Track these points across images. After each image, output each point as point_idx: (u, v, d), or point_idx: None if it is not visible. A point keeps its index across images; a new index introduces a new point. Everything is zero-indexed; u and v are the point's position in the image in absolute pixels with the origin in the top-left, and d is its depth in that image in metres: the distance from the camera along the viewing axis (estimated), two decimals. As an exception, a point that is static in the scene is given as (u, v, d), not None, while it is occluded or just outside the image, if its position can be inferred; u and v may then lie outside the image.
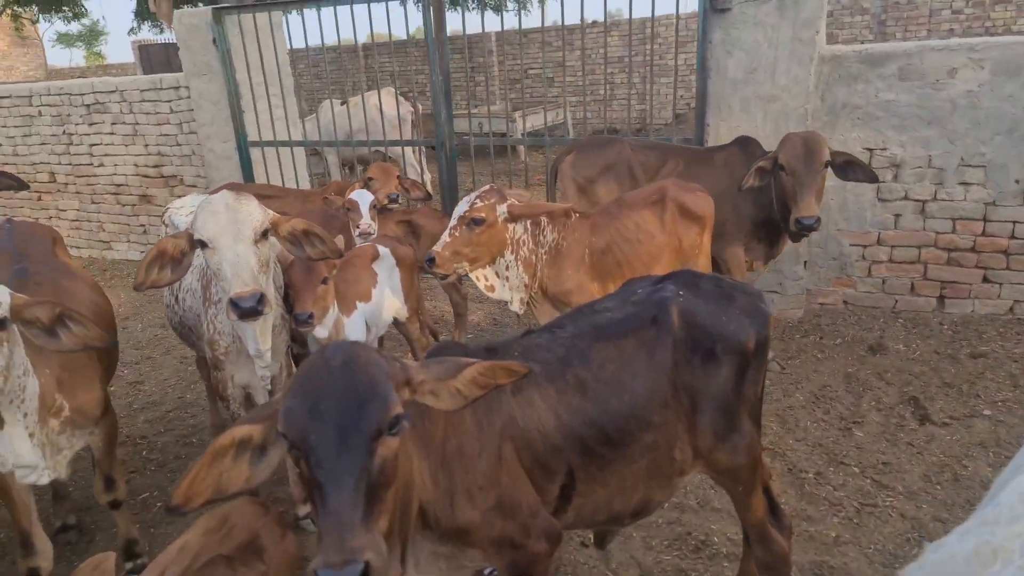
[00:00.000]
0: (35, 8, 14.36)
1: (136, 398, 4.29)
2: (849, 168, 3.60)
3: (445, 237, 2.77)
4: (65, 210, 7.18)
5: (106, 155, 6.67)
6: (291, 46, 5.89)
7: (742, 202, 3.82)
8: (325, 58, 7.68)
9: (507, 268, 2.95)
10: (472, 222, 2.78)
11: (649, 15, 4.02)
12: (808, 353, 4.19)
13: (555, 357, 1.72)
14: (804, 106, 4.25)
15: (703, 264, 3.39)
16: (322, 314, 2.75)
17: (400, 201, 4.42)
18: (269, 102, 5.51)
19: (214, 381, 2.58)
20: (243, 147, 5.70)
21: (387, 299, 3.34)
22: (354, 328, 3.10)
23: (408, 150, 8.30)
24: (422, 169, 8.52)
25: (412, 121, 8.37)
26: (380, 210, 4.43)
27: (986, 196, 4.18)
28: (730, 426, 1.81)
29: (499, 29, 16.78)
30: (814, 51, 4.16)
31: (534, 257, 2.98)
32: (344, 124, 7.79)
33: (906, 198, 4.34)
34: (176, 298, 2.75)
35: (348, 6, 5.06)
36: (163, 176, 6.46)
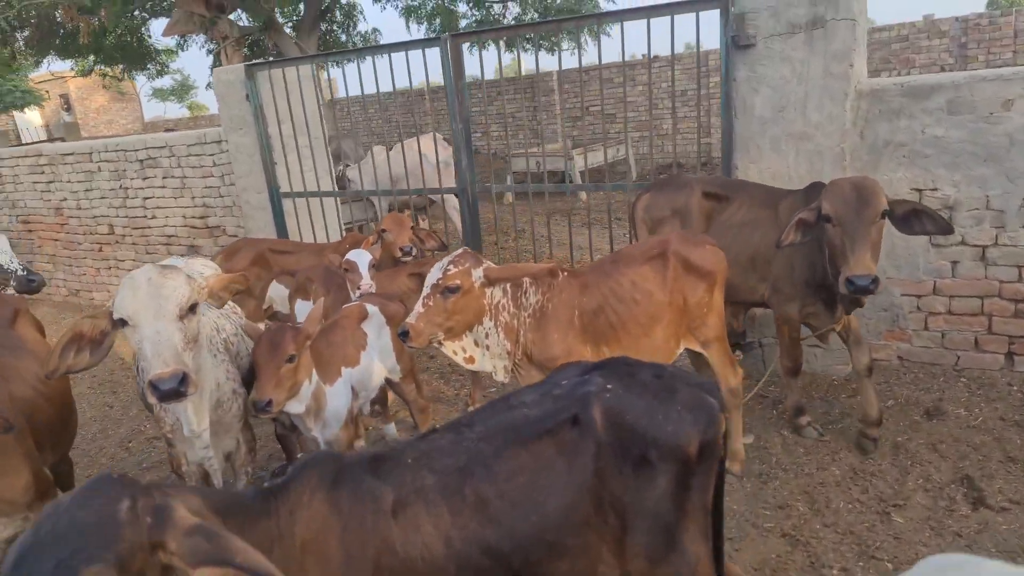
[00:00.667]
0: (120, 67, 15.35)
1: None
2: (915, 219, 3.04)
3: (419, 308, 2.60)
4: (123, 260, 7.48)
5: (158, 207, 6.92)
6: (347, 94, 5.97)
7: (796, 258, 3.36)
8: (364, 106, 7.77)
9: (487, 336, 2.75)
10: (446, 290, 2.60)
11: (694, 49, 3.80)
12: (853, 417, 3.77)
13: (454, 466, 1.49)
14: (840, 145, 3.90)
15: (713, 323, 3.10)
16: (287, 396, 2.61)
17: (414, 252, 4.32)
18: (299, 153, 5.57)
19: (169, 458, 2.49)
20: (275, 198, 5.77)
21: (377, 361, 3.20)
22: (337, 397, 2.97)
23: (450, 195, 8.29)
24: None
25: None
26: (395, 262, 4.35)
27: (1056, 240, 3.70)
28: (669, 547, 1.52)
29: (563, 68, 16.87)
30: (849, 85, 3.83)
31: (516, 321, 2.78)
32: (389, 170, 7.87)
33: (963, 243, 3.90)
34: (136, 368, 2.70)
35: (384, 56, 5.07)
36: (208, 227, 6.63)
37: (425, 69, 4.97)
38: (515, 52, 14.36)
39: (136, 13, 14.39)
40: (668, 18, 4.18)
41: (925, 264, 4.02)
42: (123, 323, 2.02)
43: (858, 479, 3.25)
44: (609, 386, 1.57)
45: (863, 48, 4.04)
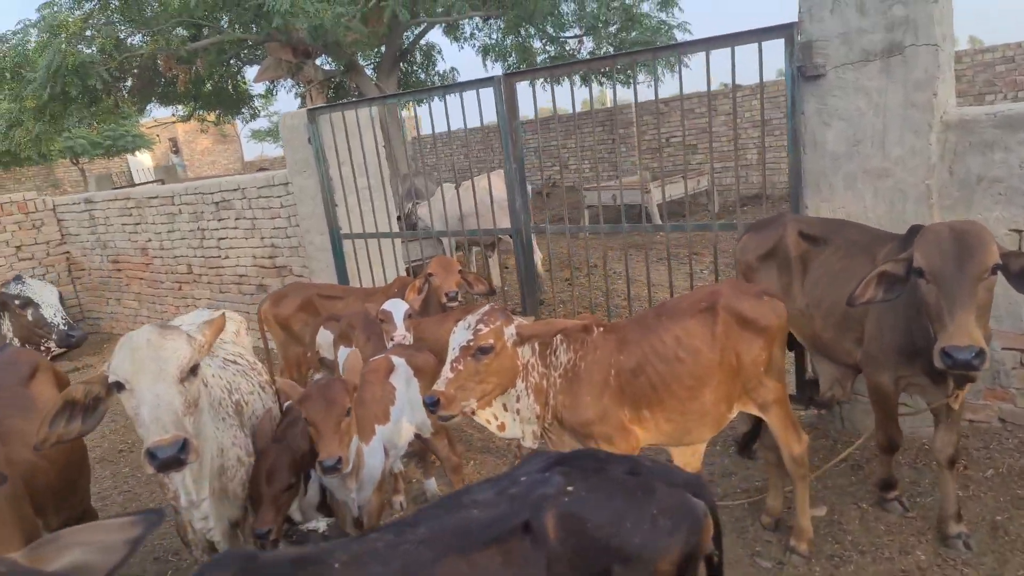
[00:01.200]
0: (217, 111, 16.25)
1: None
2: None
3: (447, 373, 2.41)
4: (199, 299, 7.74)
5: (231, 248, 7.13)
6: (432, 131, 5.98)
7: (887, 318, 2.82)
8: (448, 142, 7.81)
9: (517, 399, 2.55)
10: (479, 351, 2.42)
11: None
12: None
13: (385, 575, 1.29)
14: (925, 181, 3.52)
15: (771, 384, 2.79)
16: (348, 452, 2.51)
17: (460, 298, 4.20)
18: (358, 196, 5.60)
19: (175, 524, 2.41)
20: (336, 239, 5.81)
21: (405, 417, 3.06)
22: (374, 456, 2.83)
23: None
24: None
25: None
26: (442, 307, 4.23)
27: None
28: None
29: (640, 100, 16.67)
30: (933, 116, 3.45)
31: (545, 382, 2.57)
32: (455, 208, 7.86)
33: (1074, 291, 3.40)
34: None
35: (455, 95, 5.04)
36: (276, 267, 6.76)
37: (479, 109, 4.89)
38: (590, 85, 14.30)
39: (231, 62, 15.28)
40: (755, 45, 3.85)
41: (1029, 314, 3.54)
42: (119, 387, 1.95)
43: (947, 567, 2.83)
44: (570, 487, 1.34)
45: (950, 75, 3.66)
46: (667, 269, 4.57)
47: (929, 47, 3.39)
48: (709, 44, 4.02)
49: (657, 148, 15.62)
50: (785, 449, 2.85)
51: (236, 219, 6.95)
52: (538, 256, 8.33)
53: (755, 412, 2.84)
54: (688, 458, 2.83)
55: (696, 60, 13.39)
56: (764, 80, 3.92)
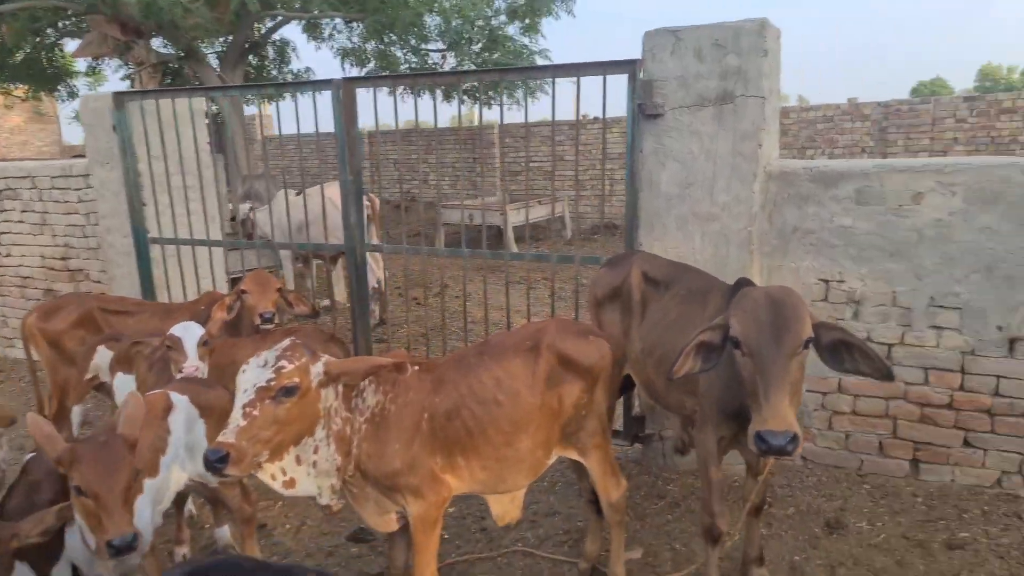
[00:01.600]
0: (29, 87, 14.40)
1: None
2: (845, 353, 2.32)
3: (238, 419, 2.02)
4: (-29, 299, 6.63)
5: (14, 244, 6.16)
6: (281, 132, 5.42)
7: (712, 374, 2.51)
8: (299, 146, 7.27)
9: (315, 450, 2.23)
10: (282, 393, 2.07)
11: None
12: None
13: None
14: (748, 228, 3.64)
15: (592, 428, 2.69)
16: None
17: (275, 320, 3.80)
18: (171, 195, 5.00)
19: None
20: (141, 243, 5.16)
21: (178, 465, 2.61)
22: (140, 517, 2.37)
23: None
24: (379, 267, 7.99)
25: (369, 216, 7.91)
26: (255, 329, 3.81)
27: (963, 344, 3.48)
28: None
29: (504, 122, 16.75)
30: (757, 166, 3.58)
31: (348, 428, 2.29)
32: (297, 216, 7.34)
33: (869, 339, 3.65)
34: None
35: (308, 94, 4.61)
36: (69, 270, 5.91)
37: (315, 113, 4.53)
38: (458, 100, 14.18)
39: (47, 31, 13.58)
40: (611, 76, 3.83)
41: (831, 360, 3.74)
42: None
43: (751, 611, 2.86)
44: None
45: (774, 127, 3.83)
46: (526, 293, 4.44)
47: (757, 99, 3.52)
48: (555, 71, 3.97)
49: (519, 171, 15.83)
50: (603, 495, 2.76)
51: (22, 211, 6.01)
52: (373, 276, 7.97)
53: (575, 457, 2.73)
54: (507, 506, 2.66)
55: (563, 88, 13.74)
56: (619, 115, 3.92)
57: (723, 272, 3.68)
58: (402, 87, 12.02)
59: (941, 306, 3.49)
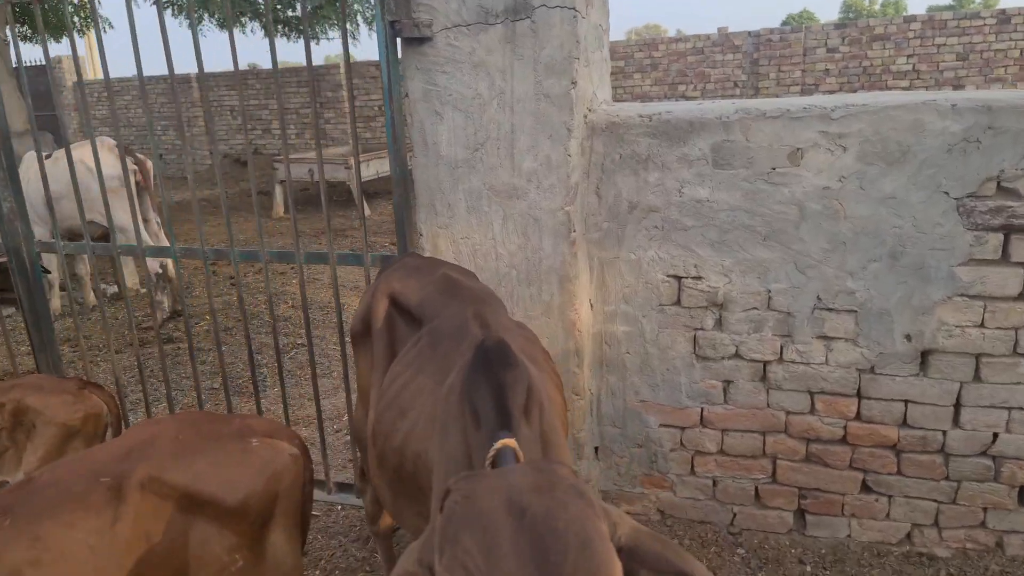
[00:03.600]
0: None
1: None
2: None
3: None
4: None
5: None
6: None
7: None
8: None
9: None
10: None
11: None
12: None
13: None
14: (565, 207, 2.47)
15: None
16: None
17: None
18: None
19: None
20: None
21: None
22: None
23: (139, 221, 6.15)
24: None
25: (139, 182, 6.24)
26: None
27: (859, 359, 2.51)
28: None
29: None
30: (572, 116, 2.40)
31: None
32: (50, 184, 5.62)
33: (737, 355, 2.62)
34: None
35: None
36: None
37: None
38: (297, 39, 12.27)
39: None
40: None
41: (688, 383, 2.71)
42: None
43: None
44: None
45: (598, 58, 2.66)
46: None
47: (566, 11, 2.31)
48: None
49: (373, 116, 14.14)
50: None
51: None
52: (155, 260, 6.33)
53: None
54: None
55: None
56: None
57: (535, 274, 2.51)
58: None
59: (830, 308, 2.49)
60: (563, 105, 2.39)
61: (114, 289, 6.80)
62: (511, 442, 1.19)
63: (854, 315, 2.47)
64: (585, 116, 2.50)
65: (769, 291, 2.52)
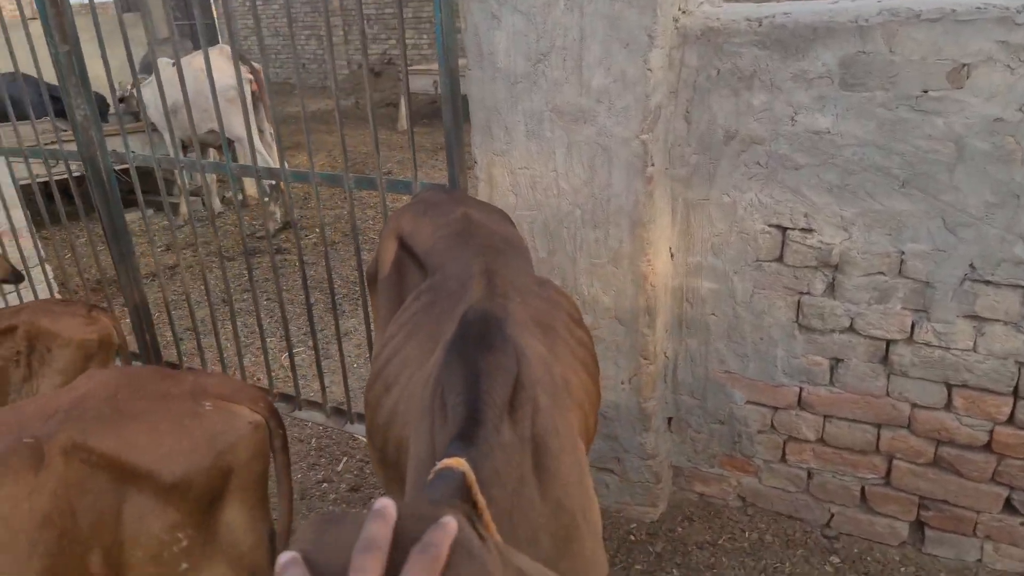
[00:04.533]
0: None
1: None
2: None
3: None
4: None
5: None
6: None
7: None
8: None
9: None
10: None
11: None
12: None
13: None
14: (641, 135, 2.01)
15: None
16: None
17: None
18: None
19: None
20: None
21: None
22: None
23: (255, 135, 6.20)
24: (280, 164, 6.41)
25: (255, 91, 6.25)
26: None
27: (1022, 349, 1.91)
28: None
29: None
30: (655, 19, 1.90)
31: None
32: (177, 93, 5.74)
33: (852, 330, 2.09)
34: None
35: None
36: None
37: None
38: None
39: None
40: None
41: (786, 358, 2.22)
42: None
43: None
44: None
45: (703, -58, 2.09)
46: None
47: None
48: None
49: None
50: None
51: None
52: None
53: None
54: None
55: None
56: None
57: (603, 215, 2.11)
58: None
59: (988, 281, 1.88)
60: (644, 5, 1.89)
61: (240, 197, 7.02)
62: (455, 462, 0.86)
63: (1020, 292, 1.85)
64: (676, 20, 1.98)
65: (902, 253, 1.95)
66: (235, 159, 6.15)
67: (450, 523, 0.58)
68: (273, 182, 6.08)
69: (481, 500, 0.87)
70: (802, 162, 1.98)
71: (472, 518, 0.81)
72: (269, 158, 6.12)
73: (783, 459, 2.36)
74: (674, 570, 2.29)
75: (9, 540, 1.17)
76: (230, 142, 6.24)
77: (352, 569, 0.53)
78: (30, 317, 2.02)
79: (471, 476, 0.87)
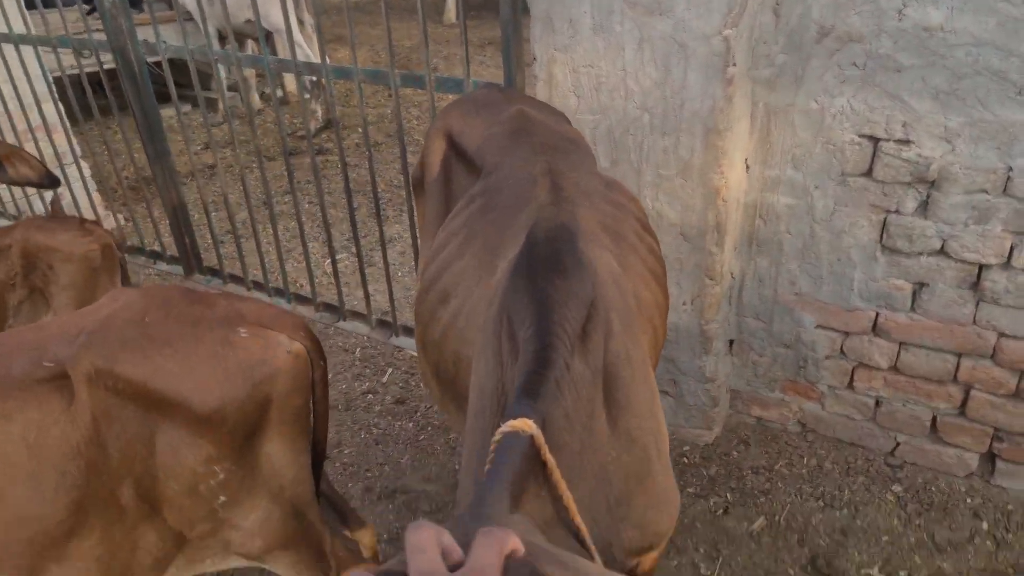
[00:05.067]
0: None
1: None
2: None
3: None
4: None
5: None
6: None
7: None
8: None
9: None
10: None
11: None
12: (701, 542, 2.05)
13: None
14: (723, 32, 1.80)
15: (257, 523, 1.27)
16: None
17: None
18: None
19: None
20: None
21: None
22: None
23: (295, 26, 5.94)
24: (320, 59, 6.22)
25: (301, -15, 5.95)
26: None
27: None
28: None
29: None
30: None
31: None
32: None
33: (943, 252, 1.93)
34: None
35: None
36: None
37: None
38: None
39: None
40: None
41: (865, 280, 2.07)
42: None
43: None
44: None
45: None
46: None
47: None
48: None
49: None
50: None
51: None
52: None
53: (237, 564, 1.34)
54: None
55: None
56: None
57: (674, 121, 1.94)
58: None
59: (1109, 202, 1.69)
60: None
61: (279, 94, 6.82)
62: (523, 424, 0.76)
63: None
64: None
65: (1010, 169, 1.76)
66: (273, 52, 5.94)
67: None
68: (314, 78, 5.88)
69: (551, 460, 0.79)
70: (906, 63, 1.76)
71: (540, 481, 0.73)
72: (309, 52, 5.89)
73: (850, 386, 2.25)
74: (728, 494, 2.24)
75: (37, 470, 1.12)
76: (268, 34, 6.01)
77: None
78: (23, 235, 1.94)
79: (540, 439, 0.78)
